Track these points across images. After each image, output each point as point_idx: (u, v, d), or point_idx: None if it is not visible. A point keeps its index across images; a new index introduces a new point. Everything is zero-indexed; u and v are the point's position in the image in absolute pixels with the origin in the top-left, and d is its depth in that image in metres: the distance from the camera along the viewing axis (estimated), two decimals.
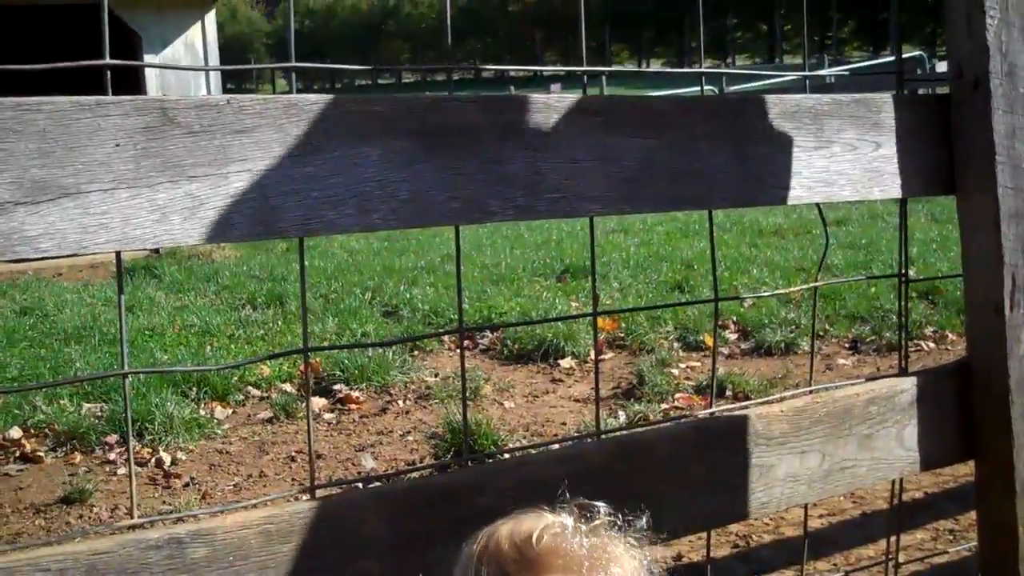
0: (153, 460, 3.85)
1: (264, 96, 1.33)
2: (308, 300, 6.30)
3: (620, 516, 1.21)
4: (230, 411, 4.46)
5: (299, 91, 1.93)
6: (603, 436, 1.85)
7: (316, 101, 1.40)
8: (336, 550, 1.51)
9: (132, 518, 1.45)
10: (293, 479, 3.73)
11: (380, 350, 4.98)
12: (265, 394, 4.64)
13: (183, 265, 7.82)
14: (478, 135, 1.54)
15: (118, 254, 1.34)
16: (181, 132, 1.28)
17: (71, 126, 1.21)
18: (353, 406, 4.50)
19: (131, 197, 1.26)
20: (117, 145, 1.24)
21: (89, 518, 3.41)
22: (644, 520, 1.23)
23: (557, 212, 1.64)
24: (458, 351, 5.26)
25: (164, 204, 1.28)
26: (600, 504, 1.21)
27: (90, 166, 1.23)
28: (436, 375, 4.91)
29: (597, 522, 1.19)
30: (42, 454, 3.92)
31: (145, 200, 1.27)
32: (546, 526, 1.16)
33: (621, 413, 4.24)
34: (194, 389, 4.50)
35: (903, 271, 2.19)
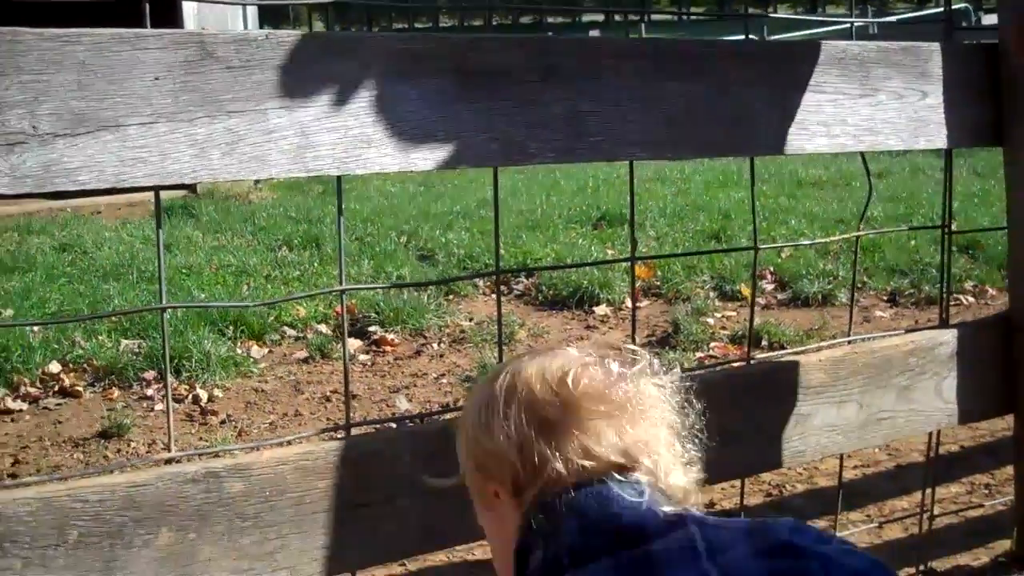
0: (190, 397, 3.89)
1: (303, 32, 1.32)
2: (344, 243, 6.32)
3: (652, 360, 1.15)
4: (266, 350, 4.49)
5: None
6: None
7: (356, 38, 1.39)
8: (371, 487, 1.52)
9: (170, 452, 1.46)
10: (328, 419, 3.76)
11: (415, 293, 4.99)
12: (301, 334, 4.66)
13: (220, 205, 7.84)
14: (519, 76, 1.53)
15: (157, 192, 1.34)
16: (220, 67, 1.27)
17: (111, 58, 1.21)
18: (388, 348, 4.52)
19: (170, 131, 1.26)
20: (156, 79, 1.23)
21: (127, 452, 3.46)
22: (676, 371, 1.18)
23: (598, 155, 1.62)
24: (493, 296, 5.26)
25: (203, 139, 1.28)
26: (631, 346, 1.16)
27: (129, 99, 1.22)
28: (471, 319, 4.92)
29: (635, 364, 1.13)
30: (80, 389, 3.97)
31: (183, 135, 1.27)
32: (582, 365, 1.10)
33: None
34: (231, 328, 4.53)
35: (946, 222, 2.16)
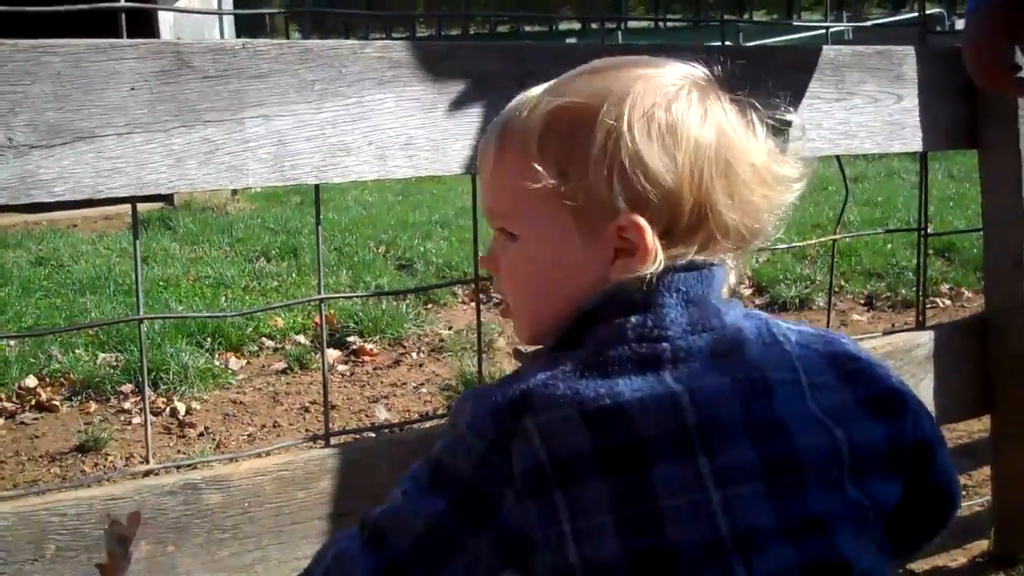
0: (168, 410, 3.87)
1: (280, 41, 1.32)
2: (322, 253, 6.31)
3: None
4: (244, 362, 4.47)
5: None
6: None
7: (333, 46, 1.39)
8: (351, 496, 1.51)
9: (148, 464, 1.46)
10: (307, 429, 3.75)
11: (394, 302, 4.99)
12: (279, 345, 4.65)
13: (197, 217, 7.81)
14: (496, 82, 1.53)
15: (134, 203, 1.33)
16: (196, 76, 1.27)
17: (87, 69, 1.20)
18: (367, 358, 4.51)
19: (146, 142, 1.25)
20: (132, 89, 1.23)
21: (104, 466, 3.43)
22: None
23: None
24: (472, 305, 5.26)
25: (180, 149, 1.28)
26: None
27: (105, 110, 1.22)
28: (449, 328, 4.91)
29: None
30: (57, 403, 3.94)
31: (160, 145, 1.26)
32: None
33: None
34: (208, 340, 4.51)
35: (922, 225, 2.17)
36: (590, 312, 0.95)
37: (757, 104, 0.99)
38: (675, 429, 0.89)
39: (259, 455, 1.52)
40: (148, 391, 3.87)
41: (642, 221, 0.92)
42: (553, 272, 0.98)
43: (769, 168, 0.99)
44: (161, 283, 5.61)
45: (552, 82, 1.01)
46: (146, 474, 1.56)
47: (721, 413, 0.90)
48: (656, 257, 0.93)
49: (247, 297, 5.41)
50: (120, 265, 6.17)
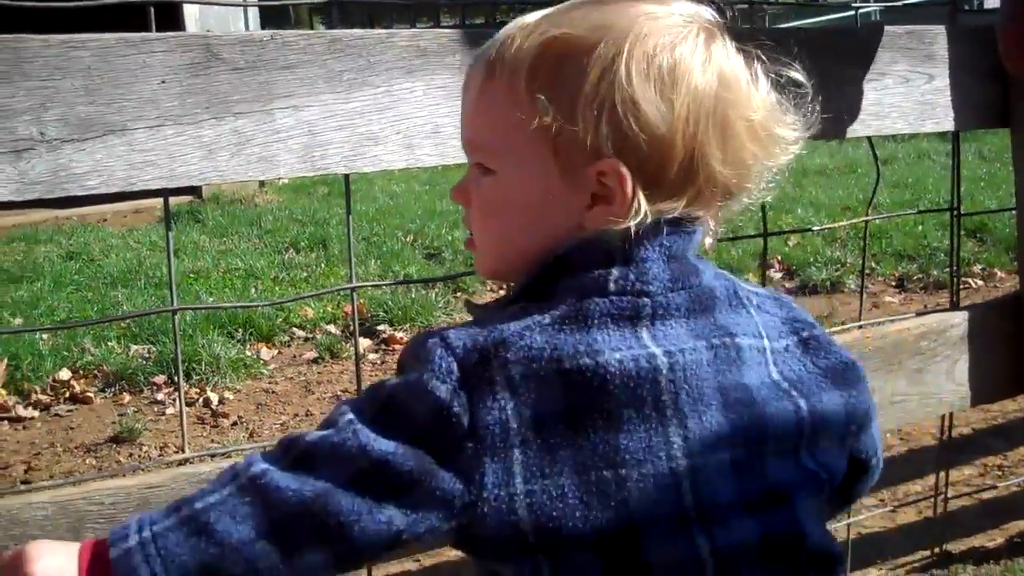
0: (201, 400, 3.90)
1: (308, 32, 1.33)
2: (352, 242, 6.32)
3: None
4: (275, 352, 4.50)
5: None
6: None
7: (361, 36, 1.39)
8: None
9: (183, 453, 1.47)
10: None
11: (423, 291, 5.00)
12: (310, 335, 4.67)
13: (226, 209, 7.84)
14: None
15: (166, 196, 1.34)
16: (226, 68, 1.28)
17: (117, 63, 1.21)
18: (397, 347, 4.53)
19: (177, 134, 1.26)
20: (163, 82, 1.23)
21: (139, 456, 3.46)
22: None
23: None
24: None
25: (210, 141, 1.28)
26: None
27: (136, 103, 1.23)
28: None
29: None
30: (91, 395, 3.98)
31: (191, 137, 1.27)
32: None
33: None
34: (240, 330, 4.54)
35: (955, 205, 2.15)
36: (561, 258, 0.91)
37: (763, 57, 0.94)
38: (649, 394, 0.86)
39: None
40: (182, 381, 3.91)
41: (623, 168, 0.88)
42: (527, 212, 0.93)
43: (765, 125, 0.94)
44: (191, 275, 5.65)
45: (551, 9, 0.94)
46: (181, 463, 1.57)
47: (695, 380, 0.88)
48: (638, 208, 0.88)
49: (277, 288, 5.44)
50: (150, 258, 6.21)
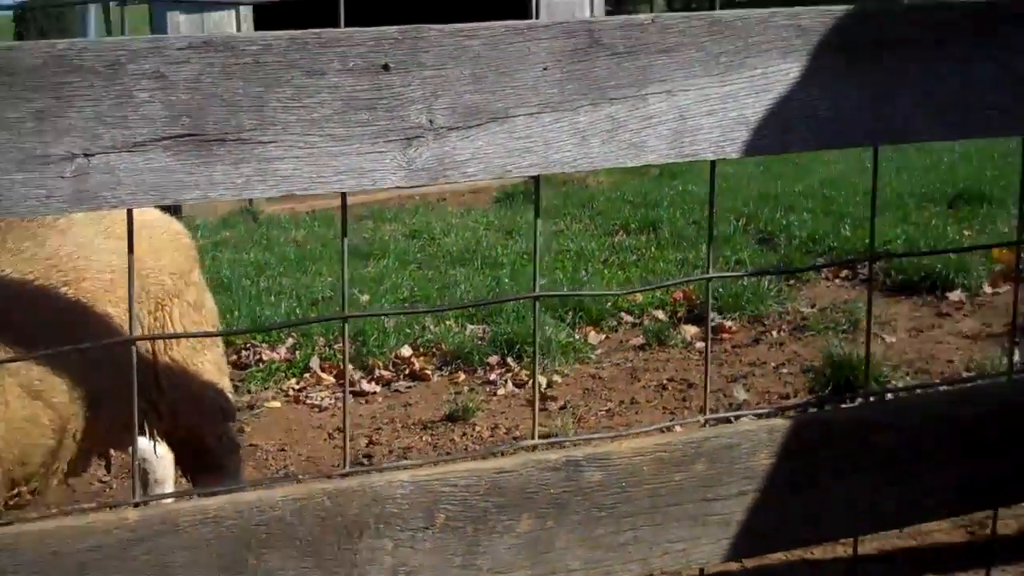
0: (530, 382, 4.00)
1: (688, 14, 1.29)
2: (680, 227, 6.26)
3: None
4: (603, 336, 4.54)
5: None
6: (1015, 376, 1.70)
7: (741, 16, 1.34)
8: (727, 480, 1.48)
9: (533, 440, 1.48)
10: (664, 407, 3.75)
11: (754, 279, 4.88)
12: (637, 320, 4.67)
13: (558, 191, 8.00)
14: (909, 50, 1.42)
15: (537, 181, 1.35)
16: (605, 54, 1.27)
17: (503, 51, 1.23)
18: (725, 335, 4.45)
19: (554, 121, 1.26)
20: (545, 69, 1.24)
21: (471, 436, 3.59)
22: None
23: (992, 130, 1.49)
24: (836, 281, 5.06)
25: (584, 127, 1.28)
26: None
27: (518, 90, 1.24)
28: (813, 306, 4.74)
29: None
30: (429, 372, 4.17)
31: (567, 123, 1.27)
32: None
33: (1017, 352, 3.90)
34: (570, 314, 4.62)
35: None
36: None
37: None
38: None
39: (638, 434, 1.52)
40: (512, 363, 3.97)
41: None
42: None
43: None
44: (524, 256, 5.80)
45: None
46: (532, 448, 1.59)
47: None
48: None
49: (606, 271, 5.48)
50: (486, 238, 6.44)
